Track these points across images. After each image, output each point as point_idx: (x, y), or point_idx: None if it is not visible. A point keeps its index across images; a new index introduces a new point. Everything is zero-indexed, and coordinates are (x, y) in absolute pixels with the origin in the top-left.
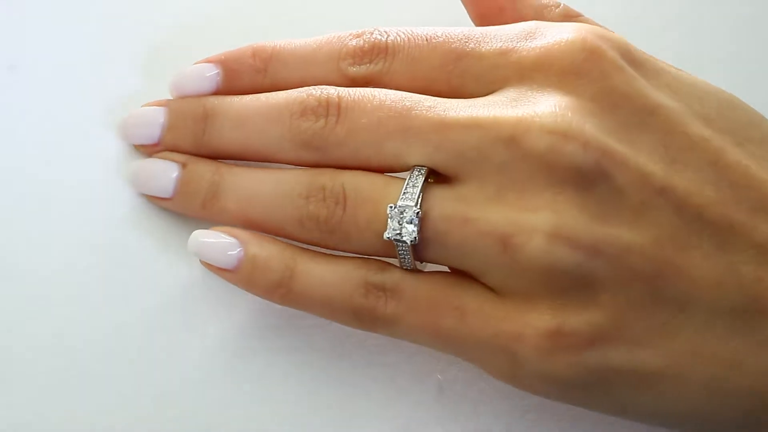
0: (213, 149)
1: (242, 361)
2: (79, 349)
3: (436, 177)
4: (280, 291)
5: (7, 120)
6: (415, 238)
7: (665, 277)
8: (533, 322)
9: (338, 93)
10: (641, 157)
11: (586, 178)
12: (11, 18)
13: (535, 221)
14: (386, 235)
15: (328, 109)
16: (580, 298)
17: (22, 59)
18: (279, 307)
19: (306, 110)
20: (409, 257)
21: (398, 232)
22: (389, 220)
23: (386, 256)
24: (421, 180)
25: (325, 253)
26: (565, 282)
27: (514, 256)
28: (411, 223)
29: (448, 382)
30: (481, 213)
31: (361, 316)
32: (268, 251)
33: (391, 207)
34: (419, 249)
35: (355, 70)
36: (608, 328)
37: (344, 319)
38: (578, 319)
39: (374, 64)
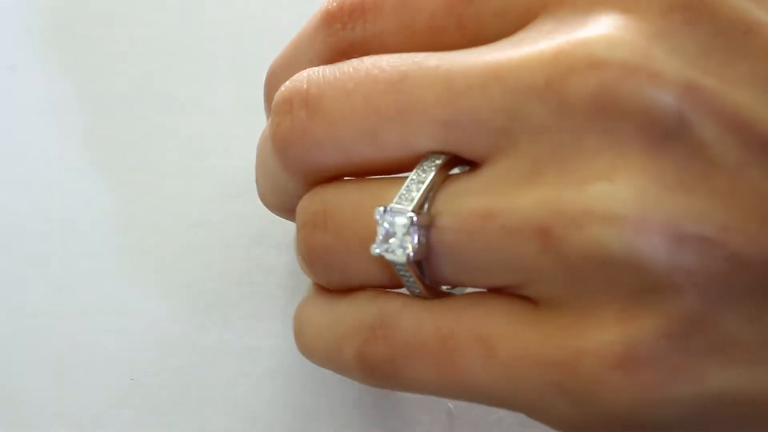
0: None
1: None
2: None
3: (465, 165)
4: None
5: (8, 120)
6: (411, 251)
7: None
8: (592, 343)
9: (307, 77)
10: (737, 94)
11: (659, 128)
12: (12, 18)
13: (586, 200)
14: (373, 250)
15: (292, 104)
16: (660, 305)
17: (23, 59)
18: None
19: (277, 113)
20: (412, 280)
21: (386, 246)
22: (377, 229)
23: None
24: (430, 173)
25: (331, 293)
26: (636, 283)
27: (558, 254)
28: (407, 232)
29: (460, 411)
30: (508, 201)
31: (359, 368)
32: None
33: (379, 212)
34: (432, 267)
35: (332, 42)
36: (708, 343)
37: (347, 373)
38: (659, 333)
39: (352, 30)
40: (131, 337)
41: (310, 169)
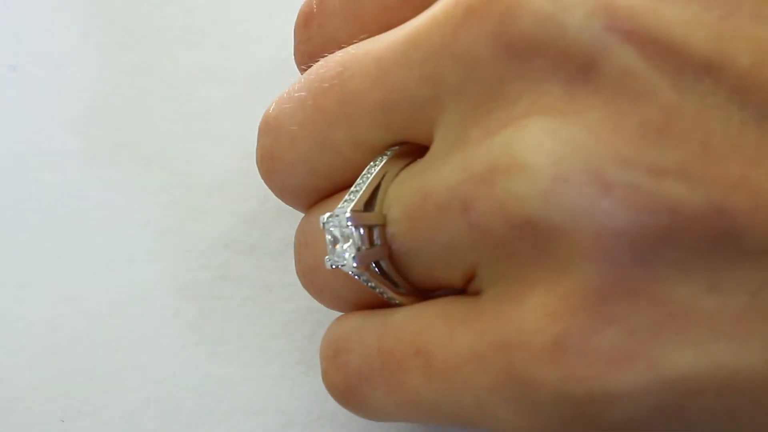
0: None
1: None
2: None
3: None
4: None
5: (9, 121)
6: (355, 254)
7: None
8: (519, 334)
9: (275, 99)
10: (664, 10)
11: (574, 61)
12: (13, 18)
13: (491, 154)
14: (326, 263)
15: (260, 133)
16: (589, 276)
17: (24, 60)
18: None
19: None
20: (378, 288)
21: (335, 254)
22: (326, 238)
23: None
24: (378, 166)
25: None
26: (560, 250)
27: (479, 225)
28: (347, 234)
29: None
30: (437, 176)
31: (334, 398)
32: None
33: (323, 220)
34: (400, 269)
35: (301, 53)
36: (655, 318)
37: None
38: (591, 313)
39: (308, 39)
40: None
41: (294, 194)
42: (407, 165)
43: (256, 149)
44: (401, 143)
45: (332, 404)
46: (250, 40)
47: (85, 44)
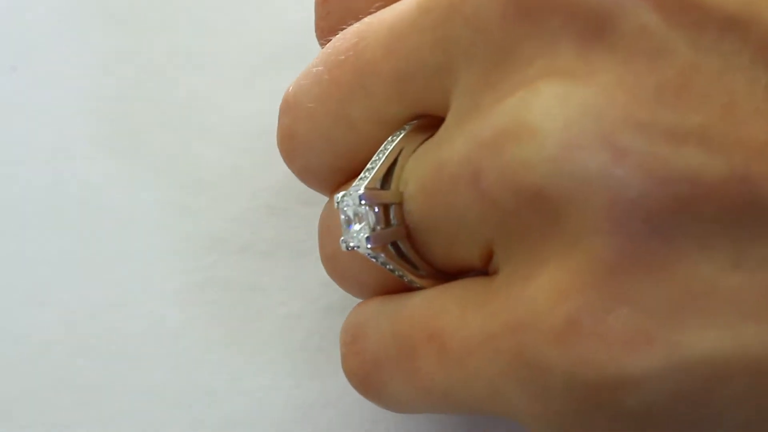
0: None
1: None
2: None
3: None
4: None
5: (9, 121)
6: (369, 233)
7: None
8: (529, 313)
9: (296, 78)
10: None
11: (587, 20)
12: (14, 18)
13: (500, 119)
14: (341, 245)
15: (280, 112)
16: (603, 251)
17: (25, 60)
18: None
19: None
20: (395, 270)
21: (349, 235)
22: (340, 218)
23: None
24: (394, 142)
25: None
26: (571, 220)
27: (489, 196)
28: (361, 212)
29: None
30: (450, 146)
31: (354, 388)
32: None
33: (338, 198)
34: (420, 249)
35: (323, 30)
36: (674, 296)
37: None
38: (604, 291)
39: (328, 15)
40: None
41: (315, 176)
42: (426, 140)
43: (277, 130)
44: (419, 116)
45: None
46: (242, 32)
47: (88, 44)
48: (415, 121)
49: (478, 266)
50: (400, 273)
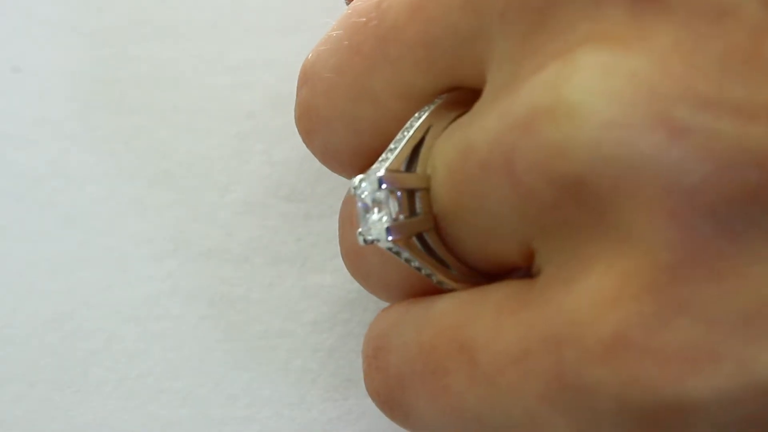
0: None
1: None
2: None
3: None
4: None
5: (10, 121)
6: (389, 223)
7: None
8: (571, 326)
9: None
10: None
11: None
12: (15, 19)
13: (534, 93)
14: (357, 237)
15: (298, 84)
16: (658, 252)
17: (26, 61)
18: None
19: None
20: (422, 267)
21: (366, 226)
22: (357, 206)
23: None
24: (418, 121)
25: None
26: (619, 213)
27: (522, 183)
28: (380, 199)
29: None
30: (480, 126)
31: (379, 408)
32: None
33: (355, 183)
34: (450, 243)
35: None
36: (742, 304)
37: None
38: (661, 300)
39: None
40: None
41: (336, 157)
42: (458, 117)
43: (295, 105)
44: (450, 90)
45: None
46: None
47: (90, 44)
48: (445, 95)
49: (520, 265)
50: (428, 271)
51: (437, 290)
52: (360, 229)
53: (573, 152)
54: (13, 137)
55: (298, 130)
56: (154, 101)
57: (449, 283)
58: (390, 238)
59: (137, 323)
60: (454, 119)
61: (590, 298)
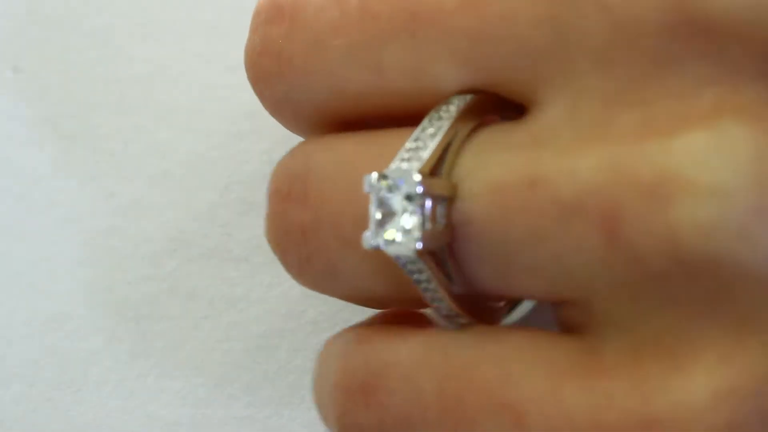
0: None
1: None
2: None
3: (507, 113)
4: None
5: (10, 121)
6: (420, 237)
7: None
8: (676, 413)
9: None
10: None
11: None
12: (15, 19)
13: (667, 160)
14: (366, 240)
15: (263, 18)
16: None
17: (26, 61)
18: None
19: (250, 32)
20: (433, 289)
21: (383, 231)
22: (369, 206)
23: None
24: (449, 119)
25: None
26: (752, 304)
27: (625, 249)
28: (412, 208)
29: None
30: (563, 163)
31: None
32: None
33: (370, 181)
34: (462, 265)
35: None
36: None
37: None
38: None
39: None
40: None
41: (297, 112)
42: (481, 124)
43: (248, 38)
44: (473, 90)
45: None
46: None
47: (90, 45)
48: (469, 96)
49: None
50: (429, 287)
51: (416, 303)
52: (370, 232)
53: (713, 232)
54: (13, 137)
55: (250, 67)
56: (154, 101)
57: (448, 302)
58: (419, 247)
59: (137, 323)
60: (477, 126)
61: (703, 386)
